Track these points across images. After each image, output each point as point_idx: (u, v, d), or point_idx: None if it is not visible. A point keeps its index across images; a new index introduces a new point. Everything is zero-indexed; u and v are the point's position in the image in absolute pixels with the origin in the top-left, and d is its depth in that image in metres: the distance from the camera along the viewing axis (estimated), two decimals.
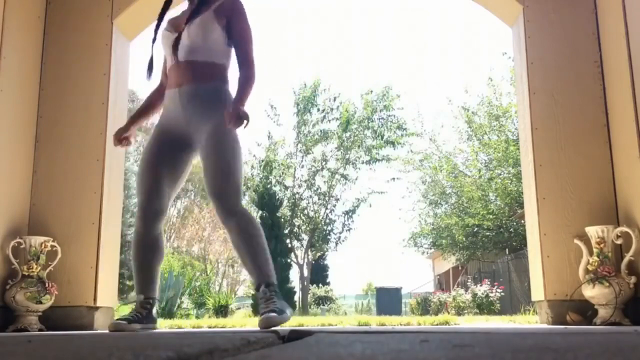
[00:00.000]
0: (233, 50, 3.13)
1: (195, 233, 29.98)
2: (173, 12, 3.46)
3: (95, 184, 4.41)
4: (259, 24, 63.34)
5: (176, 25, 3.13)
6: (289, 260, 18.24)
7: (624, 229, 3.94)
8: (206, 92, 3.02)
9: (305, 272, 22.23)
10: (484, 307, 14.02)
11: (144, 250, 3.12)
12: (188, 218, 32.25)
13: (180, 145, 3.09)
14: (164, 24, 3.21)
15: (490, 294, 14.38)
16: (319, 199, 22.47)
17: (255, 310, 14.94)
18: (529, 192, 4.54)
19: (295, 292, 17.59)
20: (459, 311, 13.93)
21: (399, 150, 22.67)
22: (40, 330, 4.05)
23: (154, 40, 3.19)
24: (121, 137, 3.24)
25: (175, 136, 3.09)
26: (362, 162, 22.40)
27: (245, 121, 2.93)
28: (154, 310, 3.21)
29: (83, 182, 4.41)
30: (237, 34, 3.10)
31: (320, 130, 22.49)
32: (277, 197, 19.57)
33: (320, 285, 23.59)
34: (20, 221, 4.26)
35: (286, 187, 22.26)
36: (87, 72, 4.57)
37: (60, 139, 4.48)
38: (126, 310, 8.89)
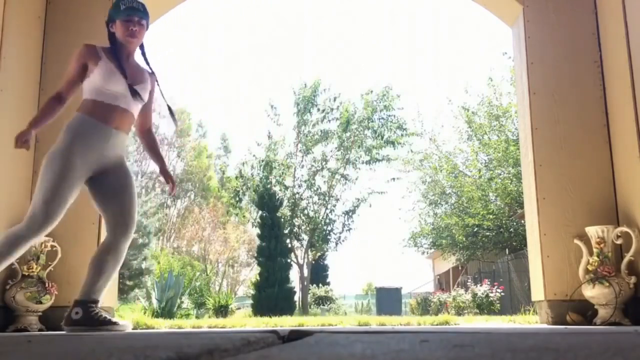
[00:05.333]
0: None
1: (195, 233, 29.99)
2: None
3: None
4: (259, 24, 63.33)
5: (132, 77, 3.43)
6: (289, 260, 18.20)
7: (624, 229, 3.94)
8: (125, 140, 3.47)
9: (305, 272, 22.21)
10: (484, 307, 14.01)
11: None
12: (188, 218, 32.25)
13: (87, 174, 3.38)
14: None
15: (490, 294, 14.37)
16: (319, 199, 22.45)
17: (255, 311, 14.94)
18: (529, 192, 4.53)
19: (295, 292, 17.55)
20: (459, 311, 13.92)
21: (399, 150, 22.66)
22: (40, 330, 4.05)
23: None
24: (23, 140, 3.17)
25: (85, 164, 3.36)
26: (362, 162, 22.38)
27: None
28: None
29: None
30: (150, 108, 3.60)
31: (320, 130, 22.47)
32: (277, 197, 19.53)
33: (320, 285, 23.55)
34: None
35: (286, 187, 22.24)
36: None
37: None
38: (126, 310, 8.89)
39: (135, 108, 3.36)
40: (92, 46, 3.30)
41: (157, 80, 3.51)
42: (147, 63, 3.49)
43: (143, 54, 3.46)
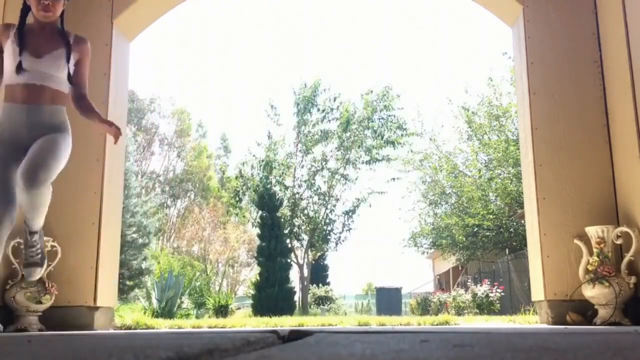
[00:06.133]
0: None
1: (195, 233, 29.97)
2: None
3: (95, 184, 4.41)
4: (259, 24, 63.37)
5: (36, 51, 3.25)
6: (289, 260, 18.20)
7: (624, 229, 3.94)
8: (51, 113, 3.25)
9: (305, 272, 22.20)
10: (484, 307, 14.02)
11: None
12: (188, 218, 32.25)
13: (19, 155, 3.16)
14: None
15: (490, 294, 14.37)
16: (319, 199, 22.46)
17: (255, 311, 14.95)
18: (529, 192, 4.53)
19: (295, 292, 17.55)
20: (459, 311, 13.93)
21: (399, 150, 22.67)
22: (40, 330, 4.05)
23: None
24: None
25: (14, 146, 3.19)
26: (362, 162, 22.39)
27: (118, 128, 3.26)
28: None
29: (83, 182, 4.41)
30: (81, 76, 3.38)
31: (320, 130, 22.48)
32: (277, 197, 19.53)
33: (320, 285, 23.56)
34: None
35: (286, 187, 22.24)
36: None
37: None
38: (126, 310, 8.89)
39: (55, 80, 3.24)
40: (6, 26, 3.28)
41: (68, 46, 3.31)
42: (64, 32, 3.35)
43: (61, 24, 3.35)
